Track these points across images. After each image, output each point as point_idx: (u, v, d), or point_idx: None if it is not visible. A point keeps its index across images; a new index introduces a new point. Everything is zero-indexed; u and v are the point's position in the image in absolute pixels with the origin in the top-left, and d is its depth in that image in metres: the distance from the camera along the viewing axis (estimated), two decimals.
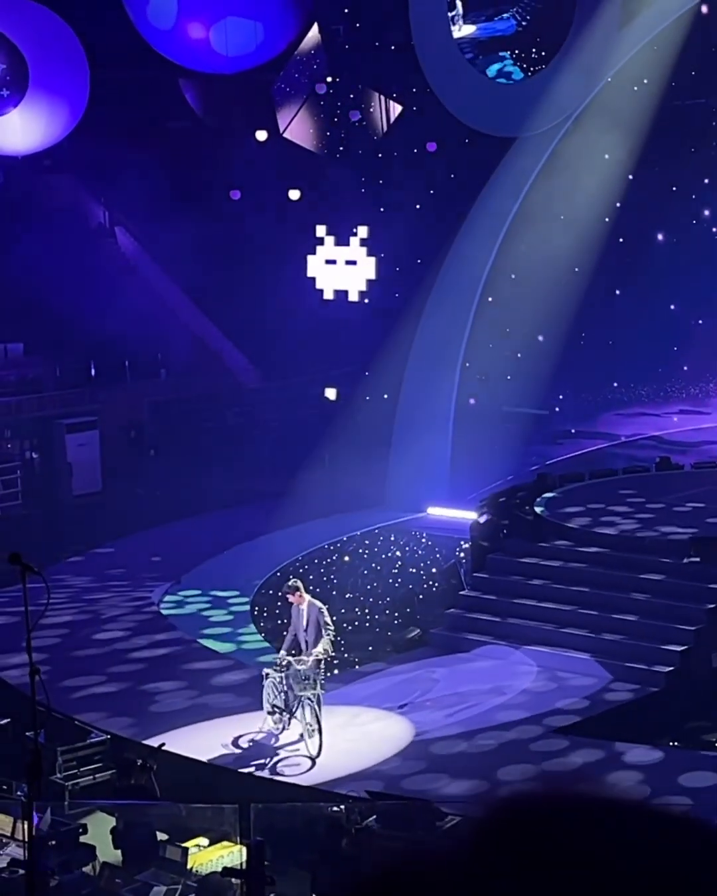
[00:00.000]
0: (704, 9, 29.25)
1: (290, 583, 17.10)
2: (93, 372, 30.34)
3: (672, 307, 31.92)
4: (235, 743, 16.45)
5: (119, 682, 18.62)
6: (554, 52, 27.84)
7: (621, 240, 30.72)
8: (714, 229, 32.43)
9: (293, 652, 16.47)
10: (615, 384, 31.65)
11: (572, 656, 18.94)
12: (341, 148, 28.97)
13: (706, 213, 32.53)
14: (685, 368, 32.67)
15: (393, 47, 28.36)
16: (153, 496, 28.01)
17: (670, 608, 19.10)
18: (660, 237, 32.52)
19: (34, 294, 28.62)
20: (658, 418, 31.39)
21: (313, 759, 15.88)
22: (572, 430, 30.09)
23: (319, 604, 16.71)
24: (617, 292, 31.37)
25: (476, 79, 27.92)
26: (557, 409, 30.52)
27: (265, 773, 15.62)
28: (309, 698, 16.13)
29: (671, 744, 16.84)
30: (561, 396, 30.51)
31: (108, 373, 30.43)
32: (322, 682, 16.40)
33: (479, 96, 27.78)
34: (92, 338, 29.05)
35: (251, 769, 15.72)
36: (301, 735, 16.18)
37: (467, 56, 27.99)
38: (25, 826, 11.07)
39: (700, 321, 32.38)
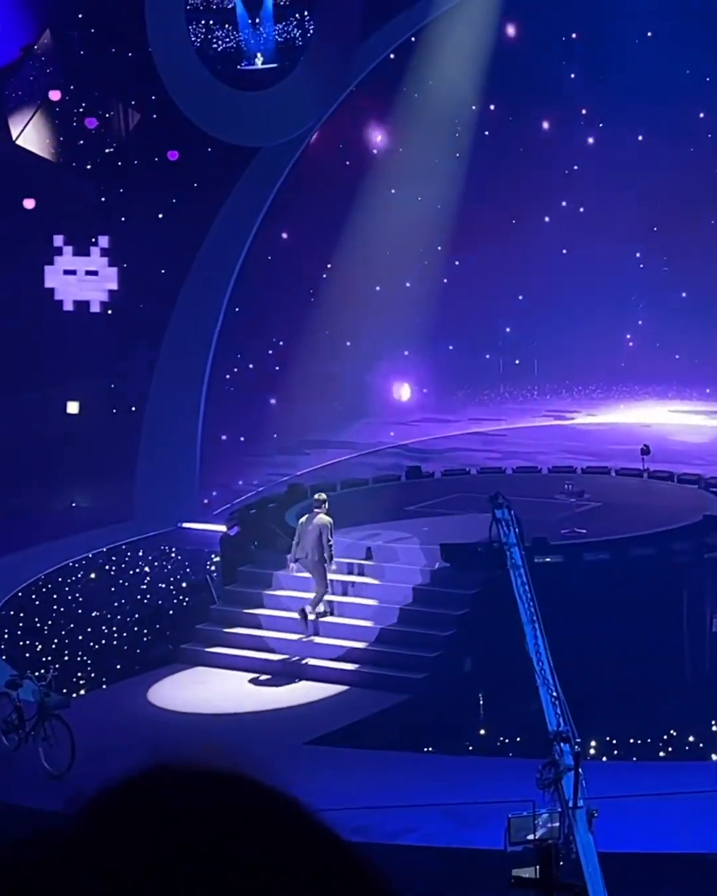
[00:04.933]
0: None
1: (319, 495, 19.37)
2: None
3: (418, 320, 31.96)
4: None
5: None
6: (294, 62, 27.71)
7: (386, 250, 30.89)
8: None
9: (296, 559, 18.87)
10: (363, 393, 31.55)
11: (325, 666, 18.71)
12: (79, 156, 28.26)
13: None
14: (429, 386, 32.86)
15: (130, 54, 27.81)
16: None
17: (422, 615, 19.02)
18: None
19: None
20: (404, 426, 31.43)
21: (60, 777, 15.40)
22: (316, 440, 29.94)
23: (327, 521, 18.78)
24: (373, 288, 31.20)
25: (215, 87, 27.60)
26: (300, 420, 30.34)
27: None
28: (57, 715, 15.59)
29: (426, 750, 16.70)
30: (308, 404, 30.32)
31: None
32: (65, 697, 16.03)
33: (219, 105, 27.47)
34: None
35: None
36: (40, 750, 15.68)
37: (205, 64, 27.66)
38: None
39: (452, 347, 32.57)
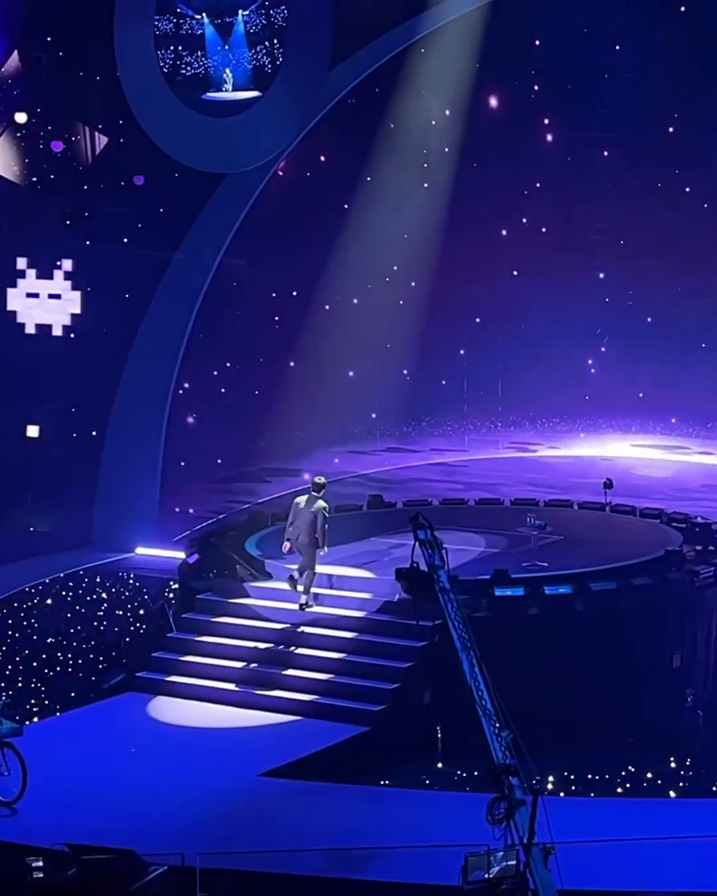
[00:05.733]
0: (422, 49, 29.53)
1: (318, 479, 19.40)
2: None
3: (388, 345, 31.89)
4: None
5: None
6: (263, 90, 27.73)
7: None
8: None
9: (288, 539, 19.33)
10: (328, 422, 31.41)
11: (282, 696, 18.55)
12: (45, 179, 28.15)
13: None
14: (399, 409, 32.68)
15: (98, 77, 27.74)
16: None
17: (381, 646, 18.88)
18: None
19: None
20: (366, 455, 31.36)
21: (10, 805, 15.18)
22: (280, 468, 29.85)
23: (324, 506, 19.01)
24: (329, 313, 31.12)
25: (182, 113, 27.60)
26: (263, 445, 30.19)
27: None
28: (9, 743, 15.43)
29: (382, 783, 16.55)
30: (272, 434, 30.23)
31: None
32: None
33: (185, 130, 27.47)
34: None
35: None
36: None
37: (173, 90, 27.63)
38: None
39: (406, 372, 32.45)
